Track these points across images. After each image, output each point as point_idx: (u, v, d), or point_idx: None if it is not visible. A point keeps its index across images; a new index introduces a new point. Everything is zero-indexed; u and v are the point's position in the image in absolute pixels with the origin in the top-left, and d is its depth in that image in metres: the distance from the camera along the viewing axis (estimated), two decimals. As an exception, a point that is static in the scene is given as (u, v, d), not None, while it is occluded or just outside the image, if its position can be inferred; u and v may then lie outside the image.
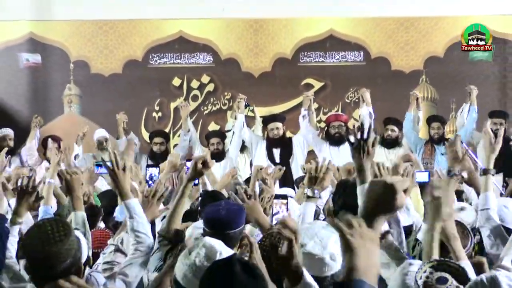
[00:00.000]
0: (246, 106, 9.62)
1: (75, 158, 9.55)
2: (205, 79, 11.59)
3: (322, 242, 2.92)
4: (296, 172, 8.72)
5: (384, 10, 11.30)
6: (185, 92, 11.56)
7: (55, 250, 2.84)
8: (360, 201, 3.31)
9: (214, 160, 4.09)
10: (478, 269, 3.51)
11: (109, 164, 3.87)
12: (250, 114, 10.14)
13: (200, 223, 3.88)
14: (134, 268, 3.56)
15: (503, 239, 4.18)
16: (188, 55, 11.53)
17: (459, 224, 3.71)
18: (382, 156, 9.48)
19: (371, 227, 2.13)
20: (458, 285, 2.74)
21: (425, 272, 2.85)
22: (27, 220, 4.43)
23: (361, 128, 3.64)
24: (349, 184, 4.26)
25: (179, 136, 10.56)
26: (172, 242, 3.65)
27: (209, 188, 6.41)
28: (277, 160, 9.23)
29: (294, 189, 7.48)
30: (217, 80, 11.58)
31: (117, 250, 3.83)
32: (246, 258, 2.74)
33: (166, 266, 3.38)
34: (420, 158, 9.27)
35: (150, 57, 11.51)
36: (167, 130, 11.08)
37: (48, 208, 4.89)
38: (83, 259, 3.12)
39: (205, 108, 11.59)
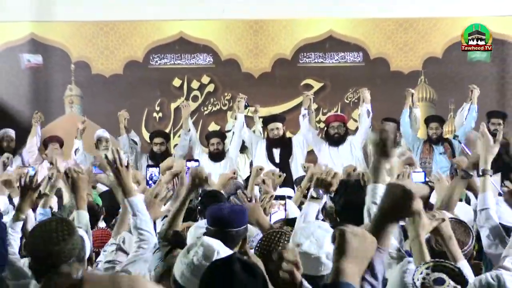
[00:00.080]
0: (246, 106, 9.65)
1: (75, 152, 9.61)
2: (205, 79, 11.61)
3: (318, 241, 2.95)
4: (296, 172, 8.72)
5: (383, 11, 11.31)
6: (186, 92, 11.58)
7: (58, 249, 2.85)
8: (367, 200, 3.33)
9: (209, 173, 4.11)
10: (476, 272, 3.53)
11: (112, 161, 3.86)
12: (250, 114, 10.16)
13: (202, 223, 3.91)
14: (137, 266, 3.56)
15: (502, 239, 4.19)
16: (189, 55, 11.55)
17: (460, 222, 3.75)
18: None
19: (382, 231, 2.15)
20: (456, 285, 2.76)
21: (421, 273, 2.86)
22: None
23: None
24: (350, 184, 4.30)
25: (179, 136, 10.58)
26: (171, 243, 3.67)
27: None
28: (277, 160, 9.25)
29: (293, 189, 7.50)
30: (217, 81, 11.60)
31: (119, 249, 3.82)
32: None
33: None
34: (418, 157, 9.30)
35: (151, 57, 11.53)
36: (167, 131, 11.09)
37: (46, 210, 4.88)
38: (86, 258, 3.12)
39: (205, 108, 11.61)
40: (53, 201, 5.75)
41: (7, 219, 5.39)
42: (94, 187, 6.79)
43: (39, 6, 11.36)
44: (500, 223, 4.36)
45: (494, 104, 10.88)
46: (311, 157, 9.72)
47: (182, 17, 11.43)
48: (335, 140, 9.34)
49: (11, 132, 9.96)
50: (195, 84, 11.62)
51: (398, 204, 2.20)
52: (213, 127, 11.43)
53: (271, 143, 9.36)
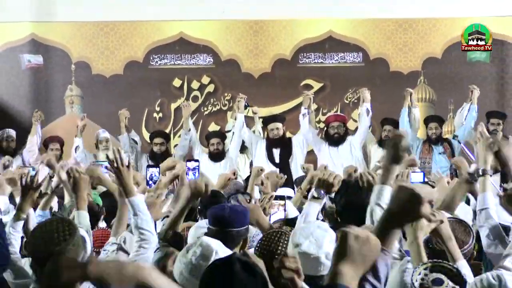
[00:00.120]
0: (246, 106, 9.66)
1: (75, 150, 9.63)
2: (205, 80, 11.62)
3: (317, 241, 2.96)
4: (296, 172, 8.75)
5: (382, 11, 11.32)
6: (186, 93, 11.59)
7: (59, 249, 2.86)
8: (372, 200, 3.36)
9: (206, 185, 4.12)
10: (476, 272, 3.54)
11: (113, 161, 3.86)
12: (251, 114, 10.18)
13: (202, 223, 3.94)
14: None
15: (502, 239, 4.19)
16: (189, 56, 11.56)
17: (460, 221, 3.76)
18: (380, 156, 9.56)
19: (388, 233, 2.14)
20: (454, 285, 2.76)
21: (419, 274, 2.87)
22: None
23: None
24: (351, 184, 4.31)
25: (179, 136, 10.60)
26: (171, 244, 3.67)
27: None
28: (277, 160, 9.28)
29: (293, 189, 7.52)
30: (217, 81, 11.61)
31: (120, 248, 3.81)
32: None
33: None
34: (417, 157, 9.32)
35: (151, 58, 11.54)
36: (167, 131, 11.10)
37: (45, 213, 4.89)
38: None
39: (205, 108, 11.62)
40: (54, 201, 5.76)
41: (7, 218, 5.43)
42: (94, 188, 6.78)
43: (40, 7, 11.36)
44: (499, 223, 4.35)
45: (494, 104, 10.90)
46: (311, 157, 9.74)
47: (182, 18, 11.44)
48: (335, 140, 9.37)
49: (12, 132, 9.99)
50: (195, 85, 11.63)
51: (406, 207, 2.17)
52: (213, 127, 11.44)
53: (271, 143, 9.38)
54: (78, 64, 11.51)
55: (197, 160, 6.46)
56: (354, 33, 11.51)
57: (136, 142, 9.88)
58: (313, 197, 4.51)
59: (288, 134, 9.74)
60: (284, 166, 9.09)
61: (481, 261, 4.33)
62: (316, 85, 11.51)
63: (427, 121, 9.76)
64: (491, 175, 4.37)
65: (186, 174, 5.11)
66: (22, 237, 4.10)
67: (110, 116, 10.60)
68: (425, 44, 11.45)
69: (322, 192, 4.47)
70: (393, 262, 3.38)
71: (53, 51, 11.49)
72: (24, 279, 3.74)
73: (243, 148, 9.76)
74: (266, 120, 9.71)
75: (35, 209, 4.86)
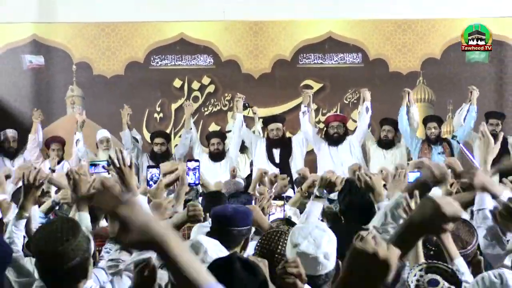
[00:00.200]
0: (245, 106, 9.69)
1: (76, 143, 9.67)
2: (205, 80, 11.64)
3: (315, 241, 2.97)
4: (296, 172, 8.81)
5: (382, 12, 11.35)
6: (186, 93, 11.61)
7: (62, 249, 2.84)
8: (391, 204, 3.38)
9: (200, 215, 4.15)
10: (475, 268, 3.58)
11: (115, 161, 3.86)
12: (251, 115, 10.21)
13: (206, 222, 3.98)
14: None
15: (499, 239, 4.22)
16: (189, 57, 11.59)
17: (464, 221, 3.75)
18: (379, 156, 9.60)
19: (407, 243, 2.10)
20: (450, 286, 2.76)
21: (415, 275, 2.86)
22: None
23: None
24: (355, 184, 4.30)
25: (179, 136, 10.62)
26: None
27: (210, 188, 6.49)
28: (277, 160, 9.31)
29: (293, 189, 7.56)
30: (217, 82, 11.63)
31: (123, 248, 3.70)
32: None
33: None
34: (416, 157, 9.36)
35: (152, 58, 11.56)
36: (168, 131, 11.13)
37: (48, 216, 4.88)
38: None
39: (206, 109, 11.64)
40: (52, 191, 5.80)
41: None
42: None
43: (41, 8, 11.39)
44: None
45: (492, 105, 10.94)
46: (311, 156, 9.78)
47: (183, 19, 11.47)
48: (335, 139, 9.40)
49: (14, 133, 10.02)
50: (195, 85, 11.65)
51: (430, 222, 2.11)
52: (213, 127, 11.46)
53: (271, 143, 9.40)
54: (79, 65, 11.54)
55: (197, 160, 6.48)
56: (353, 34, 11.54)
57: (137, 140, 9.92)
58: (316, 196, 4.57)
59: (288, 134, 9.76)
60: (284, 166, 9.13)
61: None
62: (316, 86, 11.53)
63: (426, 121, 9.77)
64: (490, 176, 4.28)
65: (187, 174, 5.13)
66: (24, 236, 4.09)
67: (111, 116, 10.64)
68: (424, 44, 11.48)
69: (325, 191, 4.54)
70: None
71: (55, 52, 11.52)
72: (26, 277, 3.73)
73: (243, 148, 9.79)
74: (266, 121, 9.74)
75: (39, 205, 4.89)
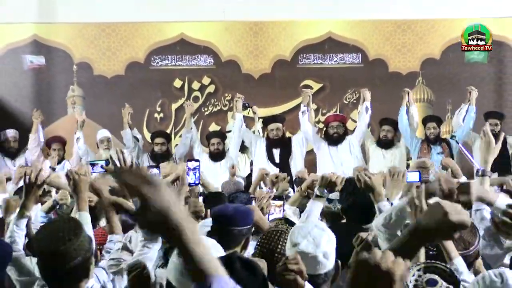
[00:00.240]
0: (246, 106, 9.70)
1: (77, 141, 9.70)
2: (206, 80, 11.66)
3: (315, 240, 2.98)
4: (296, 172, 8.82)
5: (381, 13, 11.36)
6: (186, 93, 11.62)
7: (64, 249, 2.86)
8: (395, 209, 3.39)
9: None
10: (477, 269, 3.59)
11: (117, 161, 3.88)
12: (251, 115, 10.22)
13: (208, 221, 3.96)
14: None
15: (497, 240, 4.21)
16: (189, 57, 11.60)
17: None
18: (379, 156, 9.61)
19: (413, 248, 2.09)
20: (448, 285, 2.74)
21: (413, 275, 2.83)
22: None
23: None
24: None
25: (180, 136, 10.64)
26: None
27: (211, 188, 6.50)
28: (277, 160, 9.32)
29: (293, 188, 7.58)
30: (217, 82, 11.65)
31: (125, 247, 3.81)
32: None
33: None
34: (416, 157, 9.38)
35: (152, 59, 11.58)
36: (168, 131, 11.16)
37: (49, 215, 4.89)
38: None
39: (206, 109, 11.66)
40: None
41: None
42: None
43: (42, 8, 11.39)
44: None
45: (491, 105, 10.94)
46: (311, 156, 9.80)
47: (183, 19, 11.48)
48: (334, 139, 9.41)
49: (15, 133, 10.05)
50: (195, 85, 11.66)
51: (437, 229, 2.09)
52: (213, 127, 11.48)
53: (271, 143, 9.41)
54: (80, 65, 11.55)
55: (197, 160, 6.50)
56: (353, 34, 11.55)
57: (137, 140, 9.94)
58: (316, 196, 4.57)
59: (287, 134, 9.77)
60: (284, 166, 9.14)
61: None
62: (316, 86, 11.55)
63: (425, 121, 9.79)
64: (490, 176, 4.31)
65: (187, 174, 5.15)
66: (25, 235, 4.10)
67: (111, 116, 10.66)
68: (423, 45, 11.50)
69: (325, 190, 4.53)
70: None
71: (55, 52, 11.53)
72: (28, 276, 3.74)
73: (243, 148, 9.80)
74: (266, 121, 9.74)
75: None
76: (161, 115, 11.67)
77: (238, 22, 11.61)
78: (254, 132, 10.03)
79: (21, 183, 6.65)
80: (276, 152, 9.40)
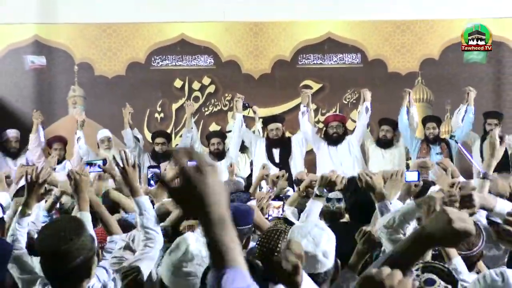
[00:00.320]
0: (246, 106, 9.72)
1: (77, 141, 9.72)
2: (206, 80, 11.67)
3: (314, 240, 3.01)
4: (295, 172, 8.78)
5: (381, 13, 11.37)
6: (187, 93, 11.63)
7: (66, 248, 2.88)
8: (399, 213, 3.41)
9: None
10: (481, 270, 3.61)
11: (119, 161, 3.90)
12: (251, 115, 10.25)
13: None
14: (143, 263, 3.54)
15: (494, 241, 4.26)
16: (190, 57, 11.61)
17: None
18: (378, 156, 9.63)
19: (417, 253, 2.09)
20: (446, 285, 2.75)
21: None
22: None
23: None
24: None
25: (180, 136, 10.66)
26: (170, 242, 3.60)
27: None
28: (277, 160, 9.33)
29: (293, 188, 7.60)
30: (217, 82, 11.66)
31: (127, 247, 3.85)
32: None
33: None
34: (415, 157, 9.41)
35: (153, 59, 11.59)
36: (168, 131, 11.18)
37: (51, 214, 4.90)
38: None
39: (206, 109, 11.68)
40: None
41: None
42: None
43: (43, 9, 11.39)
44: (498, 222, 4.42)
45: (490, 105, 10.95)
46: (311, 156, 9.82)
47: (183, 20, 11.49)
48: (334, 139, 9.42)
49: (16, 133, 10.07)
50: (196, 85, 11.67)
51: (441, 236, 2.06)
52: (213, 127, 11.49)
53: (270, 143, 9.43)
54: (81, 65, 11.57)
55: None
56: (352, 34, 11.57)
57: (138, 140, 9.97)
58: (316, 195, 4.59)
59: (287, 134, 9.78)
60: (284, 165, 9.15)
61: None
62: (315, 86, 11.56)
63: (425, 121, 9.79)
64: (491, 180, 4.34)
65: None
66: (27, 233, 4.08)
67: (112, 116, 10.67)
68: (422, 45, 11.51)
69: (325, 190, 4.56)
70: None
71: (56, 52, 11.54)
72: (30, 274, 3.73)
73: (243, 148, 9.82)
74: (266, 121, 9.75)
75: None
76: (162, 115, 11.69)
77: (238, 23, 11.62)
78: (254, 132, 10.05)
79: (21, 183, 6.72)
80: (276, 152, 9.41)
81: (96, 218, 5.00)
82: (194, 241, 2.92)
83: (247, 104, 9.73)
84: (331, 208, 5.11)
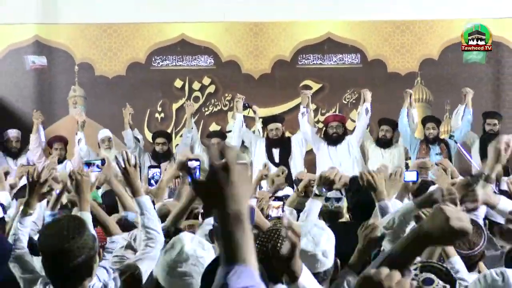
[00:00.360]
0: (245, 107, 9.75)
1: (78, 143, 9.75)
2: (206, 81, 11.67)
3: (314, 239, 3.02)
4: (295, 172, 8.78)
5: (380, 13, 11.39)
6: (187, 93, 11.63)
7: (67, 247, 2.89)
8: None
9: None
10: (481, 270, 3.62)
11: (121, 161, 3.92)
12: (252, 115, 10.27)
13: (211, 220, 3.99)
14: (144, 263, 3.56)
15: (490, 241, 4.15)
16: (190, 57, 11.61)
17: (472, 222, 3.78)
18: (377, 155, 9.67)
19: (415, 251, 2.11)
20: (444, 284, 2.76)
21: None
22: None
23: None
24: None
25: (180, 136, 10.66)
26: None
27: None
28: (277, 160, 9.36)
29: (293, 187, 7.62)
30: (218, 82, 11.66)
31: (129, 246, 3.85)
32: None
33: None
34: (415, 157, 9.45)
35: (153, 59, 11.59)
36: (169, 131, 11.18)
37: (53, 213, 4.89)
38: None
39: (206, 109, 11.68)
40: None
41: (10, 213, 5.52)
42: (98, 187, 6.87)
43: (44, 9, 11.40)
44: (497, 222, 4.36)
45: (489, 105, 10.99)
46: (310, 156, 9.85)
47: (184, 20, 11.49)
48: (334, 139, 9.46)
49: (17, 133, 10.10)
50: (196, 85, 11.68)
51: (438, 234, 2.08)
52: (213, 127, 11.49)
53: (270, 143, 9.46)
54: (81, 65, 11.56)
55: (198, 160, 6.54)
56: (352, 35, 11.58)
57: (138, 140, 10.00)
58: (315, 195, 4.58)
59: (287, 134, 9.83)
60: (283, 165, 9.17)
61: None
62: (315, 86, 11.57)
63: (425, 121, 9.84)
64: (492, 183, 4.25)
65: (188, 178, 5.17)
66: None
67: (113, 116, 10.69)
68: (422, 45, 11.52)
69: (324, 189, 4.54)
70: None
71: (57, 53, 11.54)
72: (31, 274, 3.76)
73: (243, 148, 9.86)
74: (266, 121, 9.80)
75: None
76: (162, 115, 11.69)
77: (238, 23, 11.63)
78: (254, 132, 10.08)
79: (21, 183, 6.74)
80: (276, 152, 9.44)
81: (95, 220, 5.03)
82: (189, 241, 2.92)
83: (247, 104, 9.76)
84: (330, 208, 5.12)
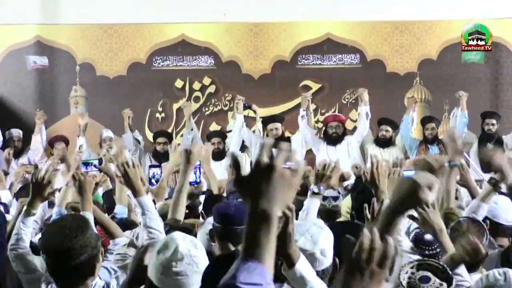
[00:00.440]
0: (246, 107, 9.78)
1: (79, 148, 9.77)
2: (206, 81, 11.68)
3: (313, 238, 3.00)
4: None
5: (379, 14, 11.40)
6: (187, 93, 11.64)
7: (70, 246, 2.90)
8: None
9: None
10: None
11: (120, 167, 3.95)
12: (252, 115, 10.30)
13: (210, 219, 4.03)
14: None
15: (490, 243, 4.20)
16: (190, 57, 11.62)
17: (474, 221, 3.81)
18: (377, 155, 9.72)
19: (392, 223, 2.20)
20: (441, 282, 2.79)
21: (406, 272, 2.90)
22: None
23: None
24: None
25: (181, 136, 10.68)
26: (172, 229, 3.64)
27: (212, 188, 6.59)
28: (276, 159, 9.41)
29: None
30: (218, 82, 11.67)
31: (131, 244, 3.86)
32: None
33: None
34: (414, 158, 9.48)
35: (154, 59, 11.60)
36: (170, 131, 11.20)
37: (61, 209, 4.94)
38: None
39: (207, 109, 11.70)
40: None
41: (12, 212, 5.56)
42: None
43: (45, 9, 11.41)
44: (498, 222, 4.44)
45: (488, 105, 11.01)
46: (310, 156, 9.87)
47: (184, 20, 11.50)
48: (333, 139, 9.50)
49: (18, 132, 10.13)
50: (196, 85, 11.69)
51: (406, 195, 2.20)
52: (214, 127, 11.51)
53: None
54: (82, 66, 11.58)
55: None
56: (351, 35, 11.59)
57: (139, 142, 10.03)
58: (313, 193, 4.59)
59: (287, 134, 9.85)
60: (283, 165, 9.22)
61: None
62: (315, 86, 11.59)
63: (424, 121, 9.87)
64: (500, 189, 4.38)
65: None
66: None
67: (114, 116, 10.70)
68: (421, 46, 11.52)
69: (322, 187, 4.56)
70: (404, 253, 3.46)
71: (58, 53, 11.56)
72: (34, 273, 3.79)
73: (244, 148, 9.89)
74: (266, 121, 9.81)
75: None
76: (163, 115, 11.70)
77: (238, 23, 11.64)
78: (254, 131, 10.12)
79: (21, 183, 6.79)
80: (275, 152, 9.45)
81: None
82: (182, 240, 2.92)
83: (246, 104, 9.80)
84: (328, 207, 5.16)
